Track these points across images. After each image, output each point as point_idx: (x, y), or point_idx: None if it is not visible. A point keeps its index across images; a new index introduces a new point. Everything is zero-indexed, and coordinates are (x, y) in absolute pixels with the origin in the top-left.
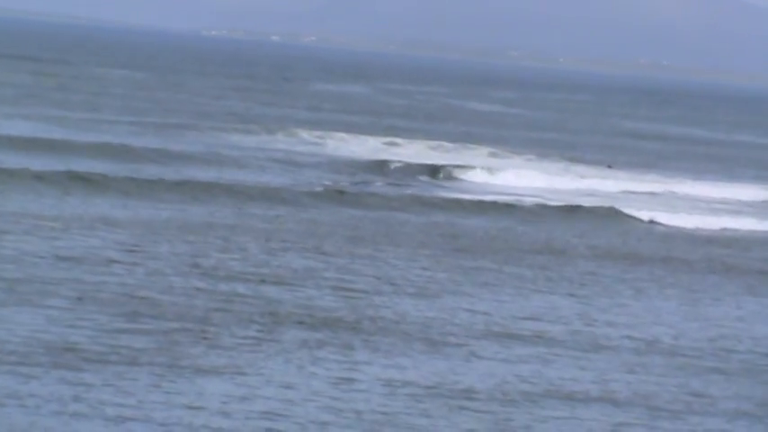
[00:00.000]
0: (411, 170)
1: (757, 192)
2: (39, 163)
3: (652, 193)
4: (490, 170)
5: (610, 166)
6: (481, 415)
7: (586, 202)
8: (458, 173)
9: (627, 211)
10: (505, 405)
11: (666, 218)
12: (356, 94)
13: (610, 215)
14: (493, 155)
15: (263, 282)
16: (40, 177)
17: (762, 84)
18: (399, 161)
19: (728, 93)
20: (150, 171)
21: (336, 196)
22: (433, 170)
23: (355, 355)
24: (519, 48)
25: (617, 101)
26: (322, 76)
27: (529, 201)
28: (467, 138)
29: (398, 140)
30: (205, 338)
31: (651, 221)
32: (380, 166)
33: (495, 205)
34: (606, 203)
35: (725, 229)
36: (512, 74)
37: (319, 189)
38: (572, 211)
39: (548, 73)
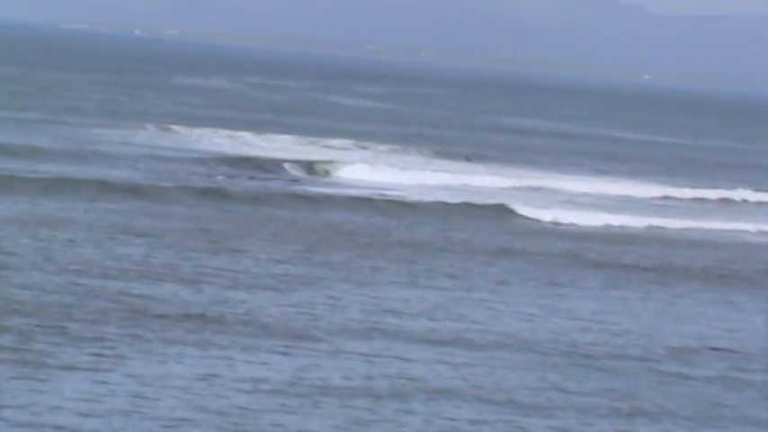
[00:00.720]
0: (278, 165)
1: (623, 187)
2: None
3: (518, 188)
4: (358, 165)
5: (468, 158)
6: (345, 410)
7: (452, 196)
8: (326, 167)
9: (491, 204)
10: (369, 400)
11: (533, 212)
12: (221, 89)
13: (478, 210)
14: (360, 148)
15: (122, 277)
16: None
17: (621, 77)
18: (266, 156)
19: (589, 87)
20: (6, 166)
21: (201, 191)
22: (300, 165)
23: (217, 351)
24: (379, 42)
25: (478, 95)
26: (187, 70)
27: (395, 195)
28: (334, 132)
29: (265, 135)
30: (64, 334)
31: (519, 215)
32: (247, 161)
33: (361, 200)
34: (472, 198)
35: (590, 225)
36: (374, 68)
37: (184, 184)
38: (440, 205)
39: (409, 67)
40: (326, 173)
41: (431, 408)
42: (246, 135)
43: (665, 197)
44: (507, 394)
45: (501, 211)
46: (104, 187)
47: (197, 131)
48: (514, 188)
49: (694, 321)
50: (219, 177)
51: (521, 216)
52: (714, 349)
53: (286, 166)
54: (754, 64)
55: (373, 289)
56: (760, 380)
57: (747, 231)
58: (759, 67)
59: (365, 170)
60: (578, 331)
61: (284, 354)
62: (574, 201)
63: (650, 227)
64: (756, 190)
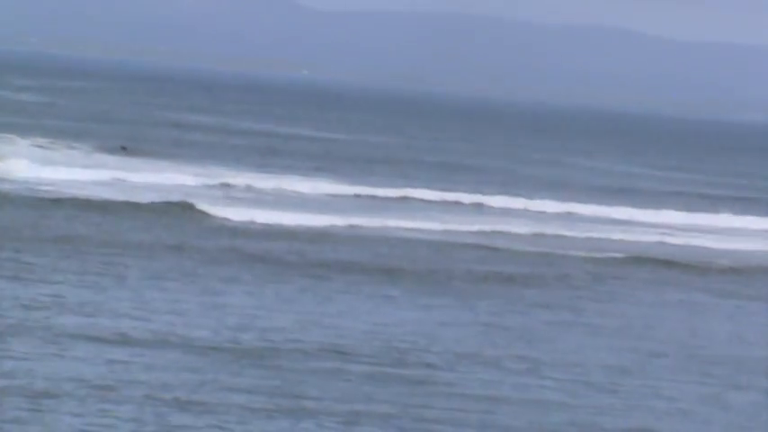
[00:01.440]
0: None
1: (288, 183)
2: None
3: (184, 184)
4: (18, 159)
5: (124, 148)
6: (1, 410)
7: (114, 192)
8: None
9: (158, 202)
10: (25, 399)
11: (205, 207)
12: None
13: (143, 206)
14: (22, 140)
15: None
16: None
17: (280, 72)
18: None
19: (249, 82)
20: None
21: None
22: None
23: None
24: (39, 34)
25: (141, 89)
26: None
27: (54, 190)
28: None
29: None
30: None
31: (189, 211)
32: None
33: (20, 196)
34: (134, 193)
35: (256, 222)
36: (33, 60)
37: None
38: (101, 201)
39: (70, 60)
40: None
41: (88, 406)
42: None
43: (333, 195)
44: (165, 391)
45: (171, 207)
46: None
47: None
48: (181, 184)
49: (351, 317)
50: None
51: (190, 211)
52: (368, 343)
53: None
54: (412, 60)
55: (26, 284)
56: (410, 374)
57: (418, 229)
58: (420, 61)
59: (25, 165)
60: (236, 327)
61: None
62: (236, 196)
63: (326, 224)
64: (426, 187)
